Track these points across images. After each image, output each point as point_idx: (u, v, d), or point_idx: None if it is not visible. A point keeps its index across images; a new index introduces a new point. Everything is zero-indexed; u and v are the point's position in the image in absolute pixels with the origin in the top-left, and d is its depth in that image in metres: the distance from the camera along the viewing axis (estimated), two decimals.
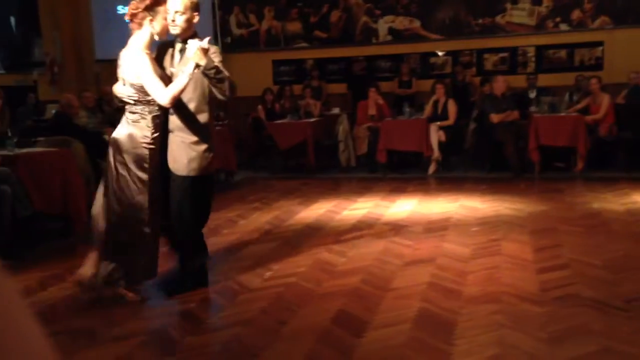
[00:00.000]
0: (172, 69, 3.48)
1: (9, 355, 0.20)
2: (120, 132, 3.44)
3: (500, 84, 8.04)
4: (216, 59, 3.32)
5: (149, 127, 3.39)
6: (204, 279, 3.82)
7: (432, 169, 8.15)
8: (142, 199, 3.41)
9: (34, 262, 4.52)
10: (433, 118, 8.26)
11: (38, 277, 4.15)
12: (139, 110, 3.39)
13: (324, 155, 9.03)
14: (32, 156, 5.14)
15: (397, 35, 10.61)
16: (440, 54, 10.54)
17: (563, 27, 9.78)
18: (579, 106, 8.04)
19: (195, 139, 3.48)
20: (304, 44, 11.11)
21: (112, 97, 7.06)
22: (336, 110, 9.75)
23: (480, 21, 10.15)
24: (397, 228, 5.24)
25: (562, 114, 7.86)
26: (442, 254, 4.41)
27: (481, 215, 5.60)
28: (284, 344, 2.97)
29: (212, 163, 3.61)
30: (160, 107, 3.38)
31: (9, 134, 5.06)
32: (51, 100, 8.09)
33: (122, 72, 3.42)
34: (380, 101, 8.80)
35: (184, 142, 3.48)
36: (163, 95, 3.27)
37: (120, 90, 3.45)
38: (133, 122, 3.40)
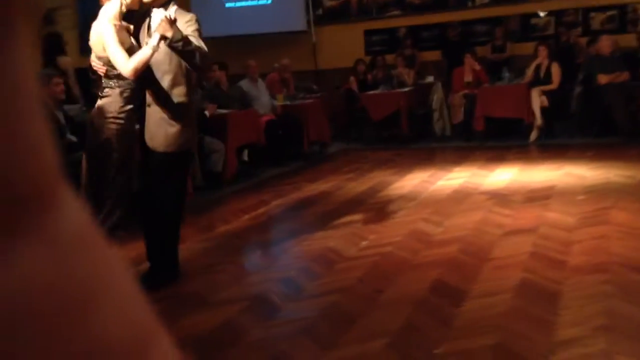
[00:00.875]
0: (146, 40, 3.27)
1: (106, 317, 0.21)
2: (95, 106, 3.38)
3: (606, 43, 7.49)
4: (190, 29, 3.18)
5: (116, 101, 3.28)
6: (174, 270, 3.58)
7: (533, 136, 7.79)
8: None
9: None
10: (535, 82, 7.86)
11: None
12: (109, 84, 3.29)
13: (418, 125, 8.88)
14: None
15: None
16: (542, 14, 9.95)
17: None
18: None
19: (172, 113, 3.29)
20: (396, 12, 10.89)
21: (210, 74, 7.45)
22: (430, 79, 9.52)
23: None
24: (496, 197, 5.09)
25: None
26: (545, 223, 4.24)
27: (588, 183, 5.31)
28: (382, 311, 2.99)
29: (190, 139, 3.44)
30: (134, 82, 3.25)
31: None
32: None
33: (91, 43, 3.35)
34: (477, 67, 8.49)
35: (161, 117, 3.30)
36: (125, 67, 3.11)
37: (93, 62, 3.36)
38: (104, 96, 3.32)
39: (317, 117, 8.19)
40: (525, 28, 10.03)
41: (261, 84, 7.79)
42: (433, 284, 3.29)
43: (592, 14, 9.62)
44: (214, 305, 3.21)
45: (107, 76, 3.29)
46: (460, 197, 5.22)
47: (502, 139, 8.10)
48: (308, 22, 11.19)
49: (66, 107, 5.51)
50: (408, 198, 5.37)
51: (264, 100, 7.62)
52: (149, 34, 3.25)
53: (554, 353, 2.42)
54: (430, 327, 2.81)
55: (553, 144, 7.52)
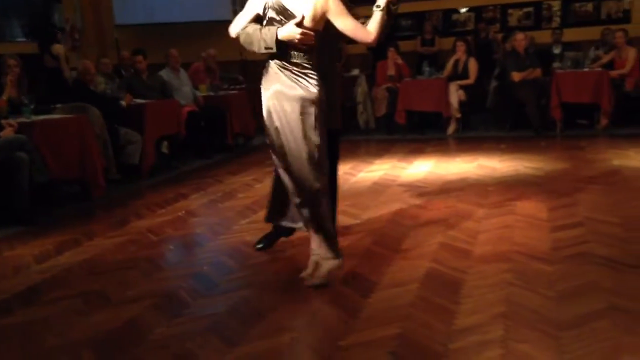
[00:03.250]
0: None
1: None
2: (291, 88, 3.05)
3: (520, 41, 7.81)
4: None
5: (317, 77, 3.07)
6: None
7: (451, 129, 8.04)
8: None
9: (50, 227, 4.63)
10: (453, 77, 8.10)
11: (54, 241, 4.25)
12: (308, 60, 3.04)
13: (343, 117, 8.93)
14: (48, 123, 5.21)
15: None
16: (462, 10, 10.25)
17: None
18: (603, 61, 7.78)
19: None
20: None
21: (131, 62, 7.22)
22: (355, 72, 9.61)
23: None
24: (412, 189, 5.21)
25: (586, 70, 7.63)
26: (455, 214, 4.37)
27: (499, 175, 5.52)
28: (291, 305, 2.99)
29: None
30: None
31: (26, 101, 5.12)
32: (71, 67, 8.15)
33: (306, 13, 2.97)
34: (399, 61, 8.64)
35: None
36: (368, 35, 3.01)
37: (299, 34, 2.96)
38: (306, 73, 3.05)
39: (242, 109, 8.10)
40: (447, 23, 10.31)
41: (183, 73, 7.62)
42: (345, 276, 3.32)
43: (510, 11, 10.00)
44: (119, 303, 3.11)
45: (305, 50, 3.02)
46: (379, 189, 5.31)
47: (422, 132, 8.32)
48: (234, 11, 11.03)
49: None
50: None
51: (186, 90, 7.45)
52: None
53: (453, 341, 2.50)
54: (337, 319, 2.84)
55: (469, 137, 7.78)
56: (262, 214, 4.70)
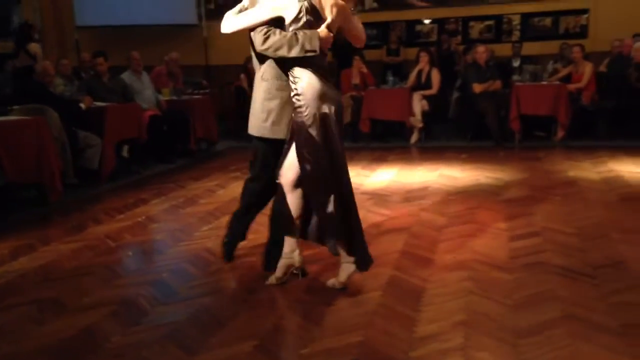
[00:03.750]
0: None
1: None
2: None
3: (481, 53, 7.97)
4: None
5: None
6: None
7: (414, 138, 8.13)
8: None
9: (5, 232, 4.48)
10: (417, 87, 8.20)
11: (9, 247, 4.12)
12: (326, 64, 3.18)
13: None
14: (4, 124, 5.05)
15: (382, 3, 10.46)
16: (426, 21, 10.42)
17: None
18: (561, 75, 8.02)
19: None
20: None
21: (92, 65, 7.09)
22: None
23: None
24: (375, 197, 5.24)
25: (544, 83, 7.84)
26: (417, 222, 4.42)
27: (460, 184, 5.61)
28: (253, 313, 2.97)
29: None
30: None
31: None
32: (31, 68, 7.96)
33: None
34: (364, 70, 8.71)
35: None
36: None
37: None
38: (328, 75, 3.14)
39: (205, 113, 8.03)
40: (411, 34, 10.46)
41: (145, 77, 7.51)
42: (308, 284, 3.31)
43: (472, 24, 10.20)
44: (75, 311, 3.03)
45: (324, 53, 3.10)
46: None
47: (386, 140, 8.40)
48: (199, 15, 10.95)
49: None
50: None
51: (148, 94, 7.34)
52: None
53: (414, 349, 2.52)
54: (300, 327, 2.83)
55: (432, 146, 7.89)
56: (224, 219, 4.68)
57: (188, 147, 7.66)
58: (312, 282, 3.32)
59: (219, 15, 11.20)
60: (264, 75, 3.22)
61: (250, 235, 4.22)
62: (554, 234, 3.95)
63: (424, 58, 8.30)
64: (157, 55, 8.74)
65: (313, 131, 3.01)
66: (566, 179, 5.63)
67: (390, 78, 8.40)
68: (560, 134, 7.60)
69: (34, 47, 8.25)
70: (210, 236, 4.26)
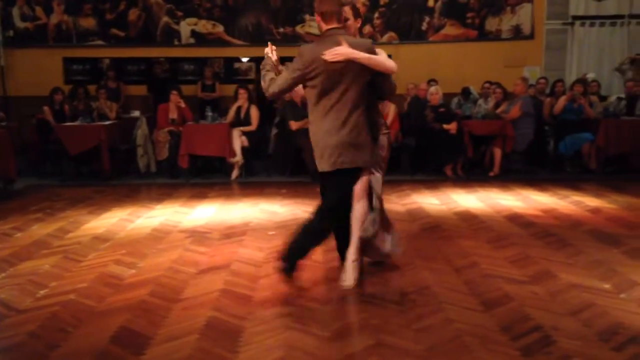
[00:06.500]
0: None
1: None
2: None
3: (298, 92, 8.25)
4: None
5: None
6: None
7: (235, 174, 8.12)
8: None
9: None
10: (236, 123, 8.23)
11: None
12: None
13: (121, 160, 8.52)
14: None
15: (200, 39, 10.43)
16: (244, 60, 10.58)
17: None
18: None
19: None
20: (99, 42, 10.39)
21: None
22: (136, 113, 9.27)
23: (281, 30, 10.40)
24: (194, 235, 5.09)
25: None
26: (237, 259, 4.36)
27: (280, 219, 5.68)
28: None
29: None
30: None
31: None
32: None
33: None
34: (182, 104, 8.53)
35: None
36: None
37: None
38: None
39: (2, 149, 7.21)
40: (230, 71, 10.55)
41: None
42: (116, 333, 3.06)
43: (287, 64, 10.56)
44: None
45: None
46: (159, 236, 5.08)
47: (206, 176, 8.27)
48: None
49: None
50: (102, 239, 5.01)
51: None
52: None
53: None
54: None
55: (252, 182, 7.93)
56: (22, 266, 4.20)
57: None
58: (119, 331, 3.08)
59: (19, 43, 10.44)
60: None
61: (53, 283, 3.85)
62: (364, 264, 4.14)
63: (243, 95, 8.39)
64: None
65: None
66: None
67: (210, 113, 8.33)
68: None
69: None
70: (4, 285, 3.78)
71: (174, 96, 8.46)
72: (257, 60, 10.50)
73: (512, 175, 7.95)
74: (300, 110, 8.22)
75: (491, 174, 8.03)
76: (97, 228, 5.39)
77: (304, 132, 8.07)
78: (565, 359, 2.73)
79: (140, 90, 10.28)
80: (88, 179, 8.16)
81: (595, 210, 5.85)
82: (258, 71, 10.36)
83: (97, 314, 3.34)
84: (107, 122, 8.34)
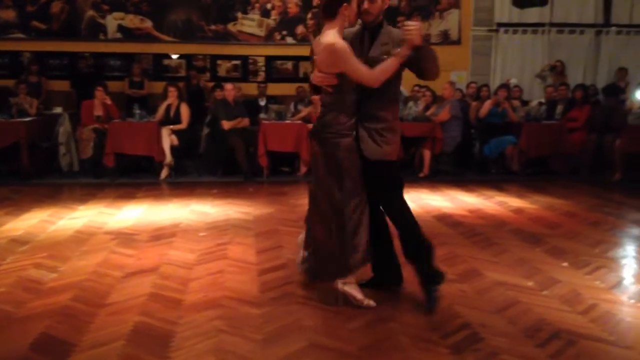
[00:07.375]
0: (370, 55, 3.31)
1: None
2: (317, 122, 3.46)
3: (229, 91, 8.17)
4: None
5: (342, 115, 3.32)
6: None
7: (164, 173, 7.90)
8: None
9: None
10: (165, 122, 8.02)
11: None
12: (331, 99, 3.33)
13: (41, 159, 8.11)
14: None
15: (127, 34, 10.10)
16: (174, 56, 10.33)
17: (289, 40, 10.41)
18: (301, 115, 8.61)
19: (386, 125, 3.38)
20: (19, 35, 9.86)
21: None
22: (58, 110, 8.86)
23: (213, 27, 10.23)
24: (120, 237, 4.90)
25: (288, 122, 8.33)
26: (167, 262, 4.23)
27: (211, 220, 5.57)
28: None
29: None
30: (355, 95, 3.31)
31: None
32: None
33: (317, 60, 3.33)
34: (108, 101, 8.22)
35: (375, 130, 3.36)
36: (370, 77, 3.19)
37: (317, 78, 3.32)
38: (328, 111, 3.35)
39: None
40: (159, 67, 10.27)
41: None
42: (36, 340, 2.90)
43: (220, 62, 10.43)
44: None
45: (328, 92, 3.32)
46: (83, 238, 4.86)
47: (134, 176, 8.00)
48: None
49: None
50: (21, 241, 4.74)
51: None
52: (363, 47, 3.34)
53: None
54: None
55: (182, 182, 7.75)
56: None
57: None
58: (39, 339, 2.91)
59: None
60: None
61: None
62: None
63: (173, 92, 8.18)
64: None
65: None
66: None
67: (137, 111, 8.07)
68: (303, 169, 8.11)
69: None
70: None
71: (99, 92, 8.15)
72: (188, 58, 10.29)
73: (440, 177, 8.16)
74: (232, 109, 8.11)
75: (421, 174, 8.21)
76: (16, 230, 5.10)
77: (236, 131, 8.00)
78: (493, 355, 2.81)
79: (63, 85, 9.83)
80: (6, 178, 7.72)
81: (518, 211, 6.09)
82: (189, 69, 10.20)
83: (15, 320, 3.15)
84: (27, 119, 7.92)
